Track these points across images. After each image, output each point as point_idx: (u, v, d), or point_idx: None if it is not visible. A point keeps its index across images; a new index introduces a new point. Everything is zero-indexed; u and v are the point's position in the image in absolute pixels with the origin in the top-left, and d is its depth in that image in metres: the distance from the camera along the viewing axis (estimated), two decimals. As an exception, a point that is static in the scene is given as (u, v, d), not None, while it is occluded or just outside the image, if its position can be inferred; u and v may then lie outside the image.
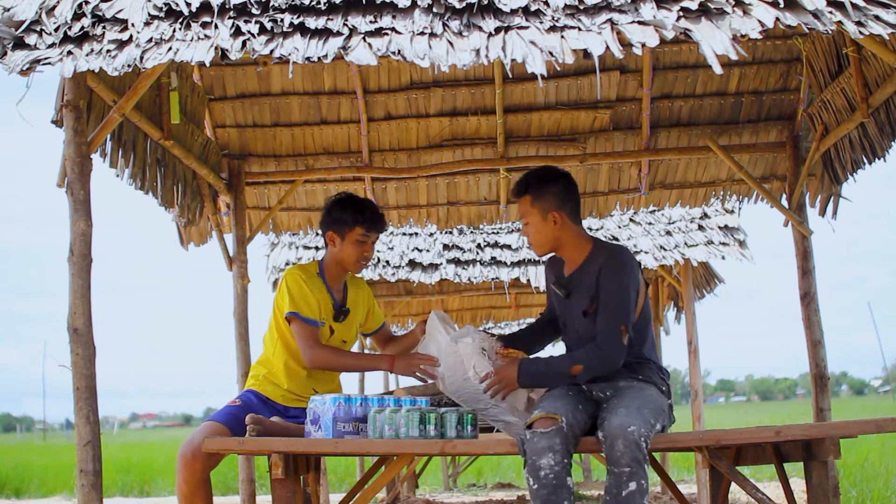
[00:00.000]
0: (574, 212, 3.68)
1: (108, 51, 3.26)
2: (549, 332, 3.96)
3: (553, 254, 3.78)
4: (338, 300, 4.02)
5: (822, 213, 5.55)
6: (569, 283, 3.67)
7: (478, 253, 9.26)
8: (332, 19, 3.37)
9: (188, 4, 3.42)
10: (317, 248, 8.97)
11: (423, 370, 3.73)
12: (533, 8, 3.39)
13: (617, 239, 8.95)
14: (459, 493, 12.12)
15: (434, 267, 9.14)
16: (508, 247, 9.27)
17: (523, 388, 3.62)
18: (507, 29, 3.30)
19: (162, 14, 3.40)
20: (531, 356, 3.76)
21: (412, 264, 9.15)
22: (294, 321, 3.88)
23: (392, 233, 9.39)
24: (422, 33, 3.29)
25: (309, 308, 3.87)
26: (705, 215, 8.96)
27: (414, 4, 3.43)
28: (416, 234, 9.39)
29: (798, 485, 8.16)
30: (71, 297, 3.37)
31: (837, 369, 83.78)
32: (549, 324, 3.94)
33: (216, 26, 3.33)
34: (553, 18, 3.32)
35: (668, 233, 8.92)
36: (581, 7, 3.36)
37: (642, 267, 3.68)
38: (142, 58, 3.21)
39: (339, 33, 3.30)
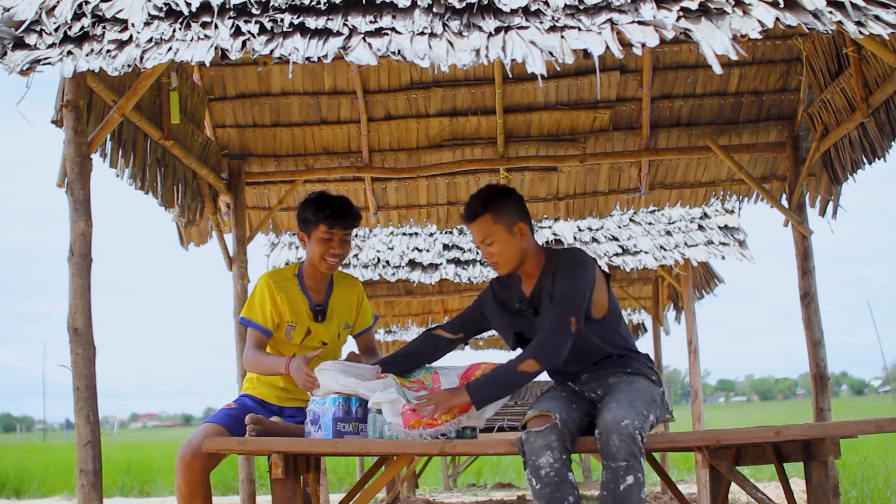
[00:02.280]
0: (531, 224, 3.62)
1: (108, 51, 3.26)
2: (443, 347, 3.77)
3: (499, 277, 3.70)
4: (315, 301, 3.99)
5: (822, 213, 5.55)
6: (532, 300, 3.60)
7: (478, 253, 9.25)
8: (332, 19, 3.37)
9: (188, 4, 3.42)
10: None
11: (309, 380, 3.59)
12: (533, 8, 3.39)
13: (617, 239, 8.96)
14: (459, 493, 12.11)
15: (434, 267, 9.15)
16: (508, 247, 9.26)
17: (480, 408, 3.43)
18: (507, 29, 3.30)
19: (162, 14, 3.40)
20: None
21: (412, 264, 9.16)
22: (246, 326, 3.97)
23: (392, 233, 9.40)
24: (422, 33, 3.29)
25: (263, 315, 3.90)
26: (705, 215, 8.97)
27: (414, 4, 3.43)
28: (416, 234, 9.39)
29: (798, 485, 8.16)
30: (71, 297, 3.37)
31: (837, 369, 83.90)
32: (443, 340, 3.77)
33: (216, 26, 3.33)
34: (553, 18, 3.32)
35: (668, 233, 8.92)
36: (581, 7, 3.36)
37: (596, 264, 3.60)
38: (142, 58, 3.21)
39: (339, 33, 3.30)
